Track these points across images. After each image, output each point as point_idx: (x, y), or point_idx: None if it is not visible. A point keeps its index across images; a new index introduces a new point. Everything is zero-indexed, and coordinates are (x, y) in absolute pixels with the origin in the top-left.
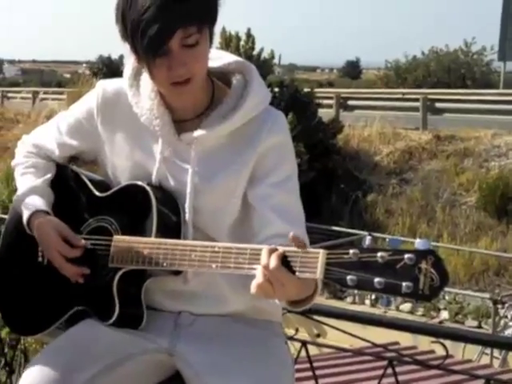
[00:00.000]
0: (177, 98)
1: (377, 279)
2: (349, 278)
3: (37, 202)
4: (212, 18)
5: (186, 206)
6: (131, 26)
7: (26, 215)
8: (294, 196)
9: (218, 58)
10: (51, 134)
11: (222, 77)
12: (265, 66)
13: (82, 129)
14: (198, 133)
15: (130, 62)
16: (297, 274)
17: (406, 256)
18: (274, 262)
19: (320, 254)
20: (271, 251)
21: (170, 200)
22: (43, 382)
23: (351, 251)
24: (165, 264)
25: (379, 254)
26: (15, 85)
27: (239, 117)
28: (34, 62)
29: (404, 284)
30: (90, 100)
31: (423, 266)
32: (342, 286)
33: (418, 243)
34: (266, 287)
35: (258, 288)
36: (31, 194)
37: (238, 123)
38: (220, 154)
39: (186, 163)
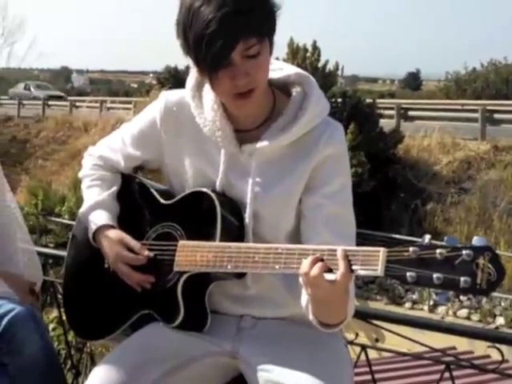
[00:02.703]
0: (239, 108)
1: (436, 275)
2: (408, 274)
3: (102, 217)
4: (271, 29)
5: (247, 214)
6: (194, 40)
7: (91, 230)
8: (346, 208)
9: (280, 69)
10: (116, 145)
11: (282, 88)
12: (329, 78)
13: (146, 139)
14: (258, 144)
15: (192, 74)
16: (359, 271)
17: (464, 252)
18: (315, 270)
19: (381, 252)
20: (315, 260)
21: (233, 206)
22: None
23: (411, 249)
24: (229, 266)
25: (438, 251)
26: (83, 94)
27: (298, 128)
28: (102, 71)
29: (462, 279)
30: (154, 111)
31: (481, 261)
32: (403, 283)
33: (476, 240)
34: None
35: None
36: (96, 208)
37: (297, 135)
38: (279, 163)
39: (246, 173)
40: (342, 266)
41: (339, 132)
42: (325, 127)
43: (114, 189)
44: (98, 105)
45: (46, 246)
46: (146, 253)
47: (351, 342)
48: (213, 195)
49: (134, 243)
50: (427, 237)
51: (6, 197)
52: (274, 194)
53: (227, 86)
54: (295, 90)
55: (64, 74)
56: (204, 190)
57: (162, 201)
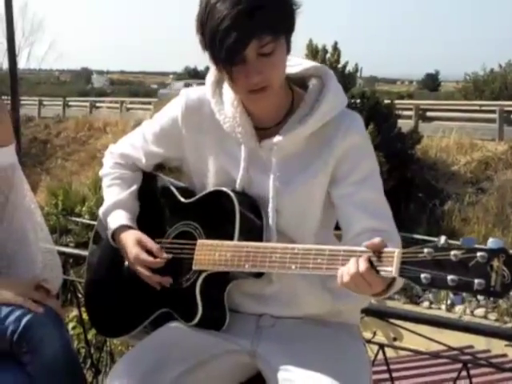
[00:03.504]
0: (254, 105)
1: (450, 277)
2: (423, 276)
3: (121, 217)
4: (287, 27)
5: (269, 209)
6: (209, 36)
7: (110, 230)
8: (377, 192)
9: (298, 64)
10: (137, 142)
11: (300, 82)
12: (348, 79)
13: (167, 136)
14: (276, 139)
15: (212, 71)
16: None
17: (479, 254)
18: (362, 265)
19: (395, 253)
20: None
21: (252, 205)
22: (129, 382)
23: (426, 250)
24: (246, 266)
25: (452, 253)
26: (103, 95)
27: (315, 120)
28: (122, 72)
29: (476, 281)
30: (174, 108)
31: (495, 263)
32: (417, 284)
33: (491, 242)
34: (352, 287)
35: (344, 286)
36: (116, 208)
37: (314, 127)
38: (299, 157)
39: (267, 169)
40: (361, 266)
41: (358, 121)
42: (343, 118)
43: (134, 187)
44: (117, 105)
45: (66, 245)
46: (164, 255)
47: (369, 341)
48: (232, 194)
49: (152, 245)
50: (442, 238)
51: (25, 197)
52: (295, 187)
53: (241, 82)
54: (311, 83)
55: (84, 75)
56: (223, 189)
57: (182, 199)
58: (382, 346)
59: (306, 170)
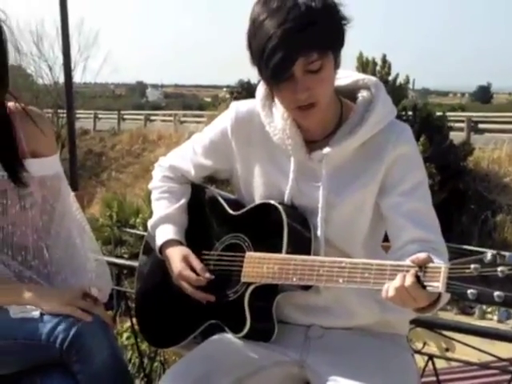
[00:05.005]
0: (302, 119)
1: (496, 293)
2: (469, 291)
3: (169, 231)
4: (336, 43)
5: (318, 220)
6: (256, 52)
7: (158, 243)
8: (425, 203)
9: (348, 76)
10: (187, 155)
11: (349, 94)
12: (399, 91)
13: (217, 149)
14: (326, 150)
15: (262, 84)
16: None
17: None
18: (409, 280)
19: (442, 269)
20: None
21: (300, 217)
22: None
23: (472, 266)
24: (294, 279)
25: (499, 269)
26: (157, 108)
27: (365, 131)
28: (176, 86)
29: None
30: (224, 120)
31: None
32: (463, 300)
33: None
34: (398, 301)
35: (389, 300)
36: (164, 222)
37: (364, 137)
38: (348, 168)
39: (316, 180)
40: (407, 281)
41: (407, 132)
42: (393, 129)
43: (183, 201)
44: (171, 118)
45: (120, 256)
46: (207, 275)
47: (419, 352)
48: (280, 207)
49: (196, 263)
50: (489, 253)
51: (72, 206)
52: (345, 198)
53: (288, 98)
54: (361, 94)
55: (139, 89)
56: (271, 201)
57: (230, 211)
58: (431, 357)
59: (356, 181)
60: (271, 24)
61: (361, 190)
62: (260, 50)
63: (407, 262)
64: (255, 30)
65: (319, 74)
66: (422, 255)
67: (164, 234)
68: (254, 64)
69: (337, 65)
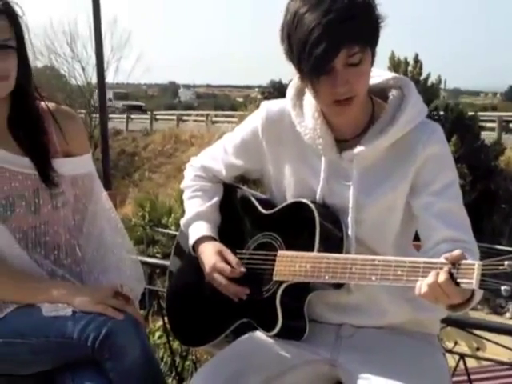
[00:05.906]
0: (338, 116)
1: None
2: (503, 288)
3: (202, 228)
4: (374, 39)
5: (349, 220)
6: (297, 45)
7: (191, 240)
8: (456, 202)
9: (378, 75)
10: (218, 155)
11: (380, 93)
12: (431, 91)
13: (248, 148)
14: (357, 149)
15: (292, 83)
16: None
17: None
18: (442, 276)
19: (476, 266)
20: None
21: (332, 216)
22: None
23: (506, 263)
24: (327, 277)
25: None
26: (190, 108)
27: (396, 130)
28: (208, 86)
29: None
30: (255, 120)
31: None
32: (497, 296)
33: None
34: (431, 298)
35: (422, 297)
36: (197, 219)
37: (395, 137)
38: (379, 167)
39: (347, 179)
40: (441, 277)
41: (438, 132)
42: (423, 128)
43: (216, 199)
44: (203, 118)
45: (153, 256)
46: (243, 269)
47: (450, 351)
48: (312, 206)
49: (232, 257)
50: None
51: (104, 205)
52: (376, 198)
53: (327, 92)
54: (392, 94)
55: (171, 89)
56: (303, 200)
57: (262, 210)
58: (462, 356)
59: (387, 180)
60: (314, 16)
61: (392, 189)
62: (302, 42)
63: (441, 259)
64: (296, 23)
65: (359, 67)
66: (456, 252)
67: (197, 231)
68: (291, 59)
69: (373, 62)
